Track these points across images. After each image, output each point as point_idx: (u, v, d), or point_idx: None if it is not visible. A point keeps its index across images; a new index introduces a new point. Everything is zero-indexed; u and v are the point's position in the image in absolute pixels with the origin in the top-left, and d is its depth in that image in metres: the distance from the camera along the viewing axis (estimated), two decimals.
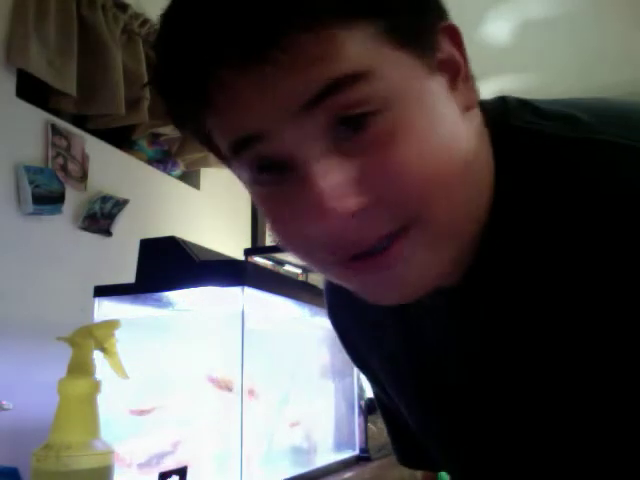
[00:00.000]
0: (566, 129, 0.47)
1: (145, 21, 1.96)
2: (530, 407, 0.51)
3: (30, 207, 1.51)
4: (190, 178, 2.28)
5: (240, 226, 2.57)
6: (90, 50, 1.73)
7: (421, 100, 0.43)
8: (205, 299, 1.30)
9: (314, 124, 0.41)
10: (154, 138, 2.05)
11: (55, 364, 0.95)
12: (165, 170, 2.13)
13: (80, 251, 1.69)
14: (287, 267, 2.28)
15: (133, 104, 1.85)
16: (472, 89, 0.48)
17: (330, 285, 0.71)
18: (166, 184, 2.12)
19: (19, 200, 1.52)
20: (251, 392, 1.19)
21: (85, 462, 0.85)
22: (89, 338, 0.93)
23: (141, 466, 1.19)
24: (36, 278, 1.54)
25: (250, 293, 1.19)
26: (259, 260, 2.22)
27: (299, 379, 1.47)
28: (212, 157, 1.92)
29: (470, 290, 0.50)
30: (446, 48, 0.46)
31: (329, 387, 1.61)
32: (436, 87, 0.44)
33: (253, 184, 0.46)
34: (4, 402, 1.08)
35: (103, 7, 1.79)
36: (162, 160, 2.12)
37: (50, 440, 0.86)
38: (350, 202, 0.41)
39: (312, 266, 0.48)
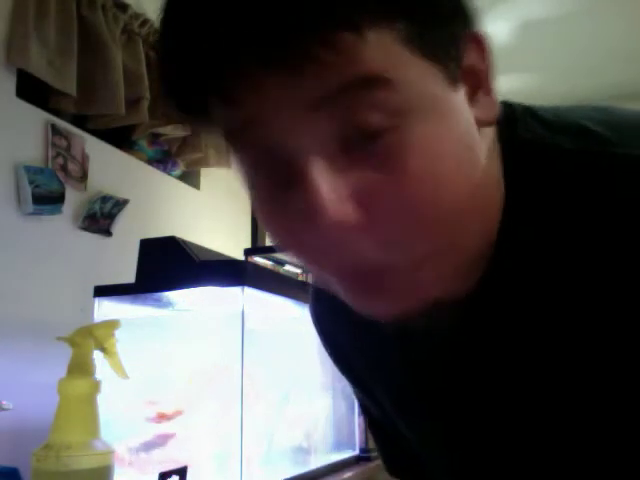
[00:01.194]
0: (583, 143, 0.46)
1: (145, 21, 1.96)
2: (541, 424, 0.50)
3: (30, 207, 1.51)
4: (190, 178, 2.28)
5: (240, 226, 2.57)
6: (90, 50, 1.73)
7: (440, 114, 0.40)
8: (205, 299, 1.30)
9: (324, 125, 0.39)
10: (154, 138, 2.05)
11: (55, 364, 0.95)
12: (165, 170, 2.13)
13: (80, 251, 1.69)
14: (287, 267, 2.28)
15: (133, 104, 1.85)
16: (493, 103, 0.45)
17: (315, 292, 0.69)
18: (166, 184, 2.12)
19: (19, 200, 1.52)
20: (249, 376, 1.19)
21: (85, 462, 0.85)
22: (89, 338, 0.93)
23: (131, 452, 1.19)
24: (36, 278, 1.54)
25: (250, 293, 1.19)
26: (259, 260, 2.22)
27: (299, 379, 1.47)
28: (212, 157, 1.93)
29: (476, 304, 0.49)
30: (470, 57, 0.43)
31: (329, 387, 1.61)
32: (457, 101, 0.42)
33: (252, 181, 0.44)
34: (4, 402, 1.08)
35: (103, 7, 1.79)
36: (162, 160, 2.12)
37: (50, 440, 0.86)
38: (348, 212, 0.39)
39: (311, 271, 0.47)
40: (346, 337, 0.66)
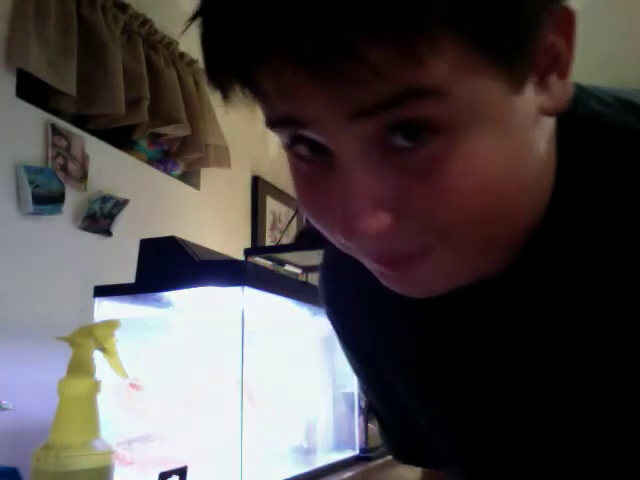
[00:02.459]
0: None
1: (145, 21, 1.96)
2: (564, 407, 0.50)
3: (30, 207, 1.50)
4: (190, 178, 2.28)
5: (240, 226, 2.57)
6: (90, 50, 1.73)
7: (495, 123, 0.38)
8: (205, 299, 1.30)
9: (368, 131, 0.37)
10: (154, 138, 2.05)
11: (55, 364, 0.95)
12: (165, 170, 2.13)
13: (80, 251, 1.69)
14: (287, 267, 2.28)
15: (133, 104, 1.84)
16: (565, 89, 0.41)
17: (327, 269, 0.68)
18: (166, 184, 2.12)
19: (19, 200, 1.51)
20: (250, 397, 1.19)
21: (85, 462, 0.85)
22: (89, 338, 0.93)
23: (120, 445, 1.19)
24: (36, 278, 1.54)
25: (250, 293, 1.19)
26: (259, 260, 2.22)
27: (299, 379, 1.47)
28: (212, 157, 1.93)
29: (509, 285, 0.49)
30: (551, 35, 0.39)
31: (329, 387, 1.61)
32: (519, 104, 0.38)
33: (289, 152, 0.43)
34: (4, 402, 1.08)
35: (103, 7, 1.79)
36: (162, 160, 2.11)
37: (50, 440, 0.86)
38: (382, 222, 0.38)
39: (340, 247, 0.45)
40: (360, 317, 0.65)
